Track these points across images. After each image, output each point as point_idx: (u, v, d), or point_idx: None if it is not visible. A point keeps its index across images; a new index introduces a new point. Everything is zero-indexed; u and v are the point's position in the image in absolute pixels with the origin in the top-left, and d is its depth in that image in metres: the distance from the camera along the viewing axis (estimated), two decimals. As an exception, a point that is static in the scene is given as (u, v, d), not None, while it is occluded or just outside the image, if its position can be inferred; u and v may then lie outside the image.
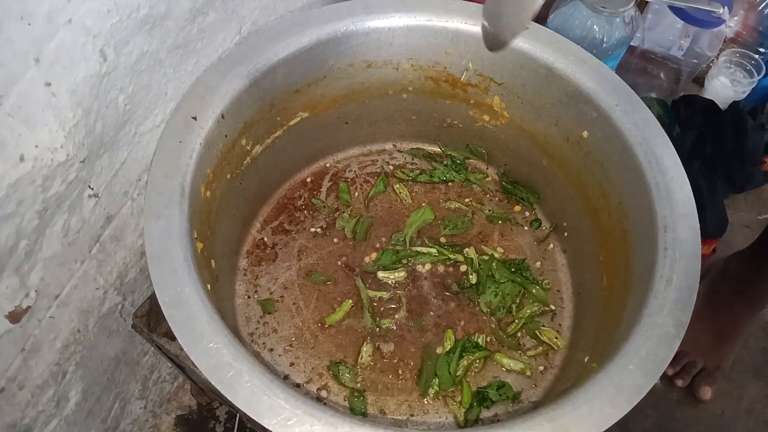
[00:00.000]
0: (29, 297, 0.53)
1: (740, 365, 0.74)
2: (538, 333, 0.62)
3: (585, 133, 0.57)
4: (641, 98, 0.89)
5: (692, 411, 0.70)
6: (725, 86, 0.90)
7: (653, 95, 0.95)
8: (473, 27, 0.59)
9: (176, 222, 0.44)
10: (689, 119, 0.85)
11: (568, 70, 0.56)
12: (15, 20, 0.41)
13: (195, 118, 0.50)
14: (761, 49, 0.93)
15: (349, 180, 0.72)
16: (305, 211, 0.69)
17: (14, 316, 0.52)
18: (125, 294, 0.68)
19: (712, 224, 0.79)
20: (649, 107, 0.86)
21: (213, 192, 0.53)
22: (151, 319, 0.64)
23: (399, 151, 0.74)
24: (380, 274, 0.65)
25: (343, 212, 0.69)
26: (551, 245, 0.69)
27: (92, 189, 0.57)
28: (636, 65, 0.95)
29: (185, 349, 0.40)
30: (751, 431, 0.70)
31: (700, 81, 0.96)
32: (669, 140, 0.51)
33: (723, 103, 0.88)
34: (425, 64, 0.63)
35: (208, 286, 0.45)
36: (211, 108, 0.51)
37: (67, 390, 0.63)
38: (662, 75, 0.98)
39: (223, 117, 0.52)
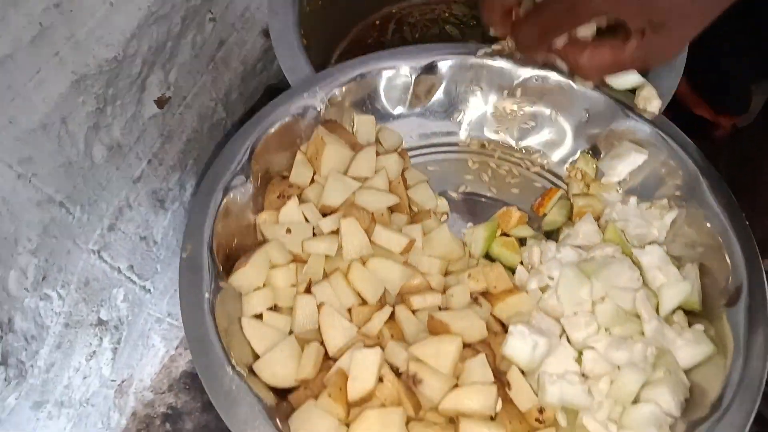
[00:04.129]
0: (170, 89, 0.69)
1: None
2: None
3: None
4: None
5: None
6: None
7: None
8: None
9: (290, 18, 0.60)
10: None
11: None
12: None
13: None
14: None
15: (410, 24, 0.85)
16: (374, 48, 0.83)
17: (160, 102, 0.68)
18: (228, 111, 0.84)
19: (733, 102, 0.85)
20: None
21: (311, 8, 0.67)
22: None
23: (455, 2, 0.87)
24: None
25: (405, 49, 0.83)
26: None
27: (212, 14, 0.72)
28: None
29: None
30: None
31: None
32: None
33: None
34: None
35: (313, 70, 0.61)
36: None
37: (186, 180, 0.81)
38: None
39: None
